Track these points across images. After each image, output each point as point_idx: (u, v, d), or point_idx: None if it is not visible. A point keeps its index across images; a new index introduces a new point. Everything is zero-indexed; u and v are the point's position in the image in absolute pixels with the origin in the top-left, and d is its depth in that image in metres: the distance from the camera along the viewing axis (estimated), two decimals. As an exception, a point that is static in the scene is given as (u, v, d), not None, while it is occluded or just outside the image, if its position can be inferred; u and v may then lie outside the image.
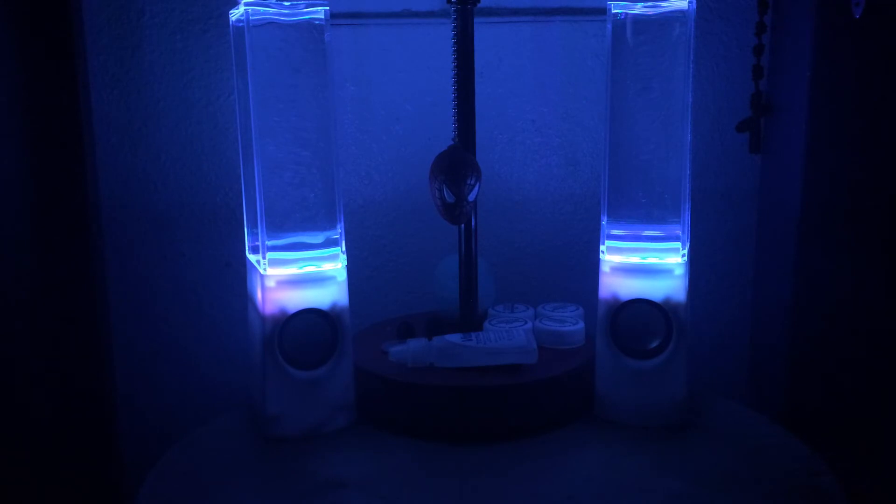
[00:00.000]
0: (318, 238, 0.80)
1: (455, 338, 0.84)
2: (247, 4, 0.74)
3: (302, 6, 0.76)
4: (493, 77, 1.02)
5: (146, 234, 1.03)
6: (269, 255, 0.78)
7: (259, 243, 0.78)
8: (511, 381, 0.81)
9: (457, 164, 0.81)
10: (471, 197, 0.82)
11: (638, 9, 0.77)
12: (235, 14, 0.78)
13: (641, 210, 0.80)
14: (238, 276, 1.03)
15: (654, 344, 0.81)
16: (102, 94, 1.00)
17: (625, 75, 0.78)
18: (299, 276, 0.79)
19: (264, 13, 0.75)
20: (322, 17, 0.76)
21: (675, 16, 0.77)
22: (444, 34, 0.88)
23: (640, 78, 0.78)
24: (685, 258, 0.80)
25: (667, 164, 0.79)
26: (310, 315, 0.79)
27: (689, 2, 0.76)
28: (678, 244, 0.80)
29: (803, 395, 0.96)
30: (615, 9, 0.78)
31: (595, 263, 0.83)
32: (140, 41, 1.00)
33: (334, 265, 0.80)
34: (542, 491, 0.72)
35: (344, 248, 0.81)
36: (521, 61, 1.03)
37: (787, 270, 0.96)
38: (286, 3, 0.75)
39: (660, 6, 0.77)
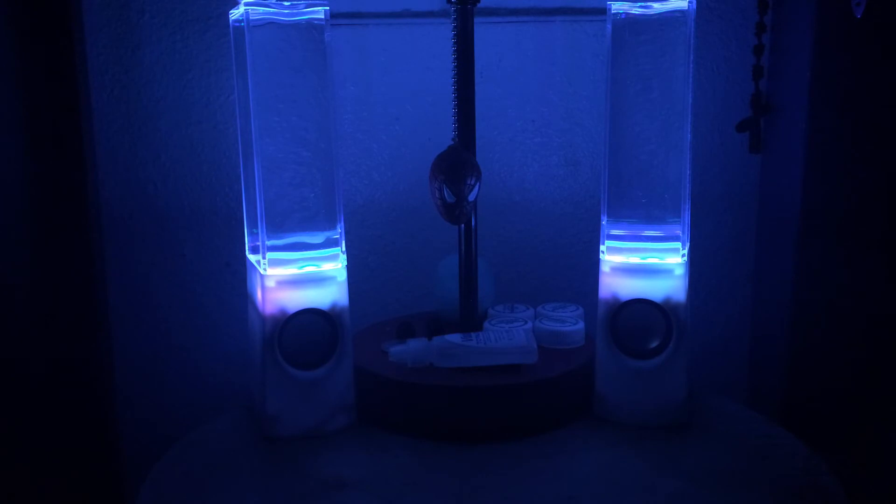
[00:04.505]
0: (318, 238, 0.80)
1: (455, 338, 0.84)
2: (247, 4, 0.74)
3: (302, 6, 0.76)
4: (493, 77, 1.02)
5: (146, 234, 1.03)
6: (269, 255, 0.78)
7: (259, 243, 0.78)
8: (511, 381, 0.81)
9: (457, 164, 0.81)
10: (471, 197, 0.82)
11: (638, 9, 0.77)
12: (235, 14, 0.78)
13: (641, 210, 0.80)
14: (238, 276, 1.03)
15: (654, 344, 0.81)
16: (102, 94, 1.00)
17: (625, 75, 0.78)
18: (299, 276, 0.79)
19: (264, 13, 0.75)
20: (322, 17, 0.76)
21: (675, 16, 0.77)
22: (444, 34, 0.89)
23: (640, 78, 0.78)
24: (685, 258, 0.80)
25: (667, 164, 0.79)
26: (310, 315, 0.79)
27: (689, 2, 0.76)
28: (678, 244, 0.80)
29: (803, 395, 0.96)
30: (615, 9, 0.78)
31: (595, 263, 0.83)
32: (140, 41, 1.00)
33: (334, 265, 0.80)
34: (542, 491, 0.72)
35: (344, 248, 0.81)
36: (522, 61, 1.03)
37: (787, 270, 0.96)
38: (286, 3, 0.75)
39: (660, 6, 0.77)
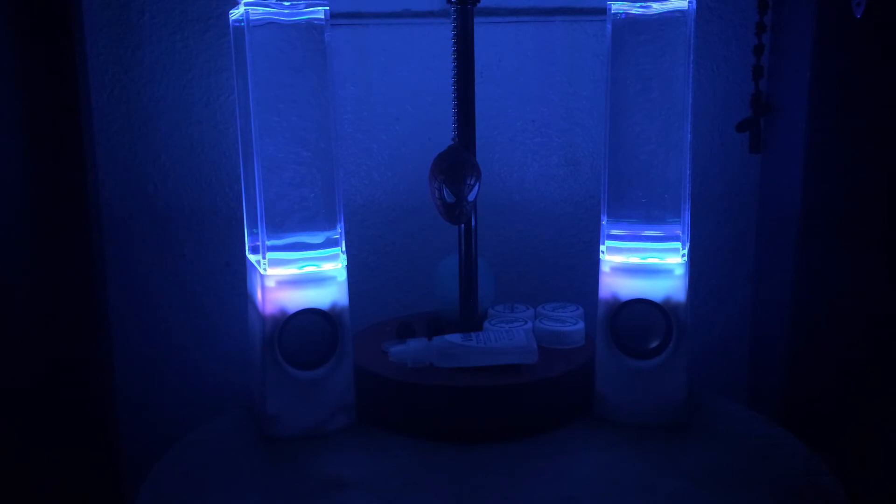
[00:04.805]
0: (318, 238, 0.80)
1: (455, 338, 0.84)
2: (247, 4, 0.74)
3: (302, 6, 0.76)
4: (493, 77, 1.02)
5: (146, 234, 1.03)
6: (269, 255, 0.78)
7: (259, 243, 0.78)
8: (511, 381, 0.81)
9: (457, 164, 0.81)
10: (471, 197, 0.82)
11: (638, 9, 0.77)
12: (235, 14, 0.78)
13: (641, 210, 0.80)
14: (238, 276, 1.03)
15: (654, 344, 0.81)
16: (102, 94, 1.00)
17: (625, 75, 0.78)
18: (299, 276, 0.79)
19: (264, 13, 0.75)
20: (322, 17, 0.76)
21: (675, 16, 0.77)
22: (444, 34, 0.89)
23: (640, 78, 0.78)
24: (685, 258, 0.80)
25: (667, 165, 0.79)
26: (310, 315, 0.79)
27: (689, 2, 0.76)
28: (678, 244, 0.80)
29: (803, 395, 0.96)
30: (615, 9, 0.78)
31: (595, 263, 0.83)
32: (140, 41, 1.00)
33: (334, 265, 0.80)
34: (542, 491, 0.72)
35: (344, 248, 0.81)
36: (522, 61, 1.03)
37: (787, 270, 0.96)
38: (286, 3, 0.75)
39: (660, 6, 0.77)
